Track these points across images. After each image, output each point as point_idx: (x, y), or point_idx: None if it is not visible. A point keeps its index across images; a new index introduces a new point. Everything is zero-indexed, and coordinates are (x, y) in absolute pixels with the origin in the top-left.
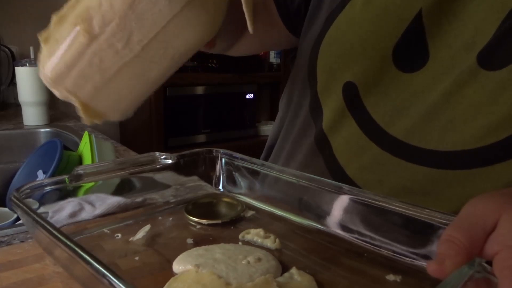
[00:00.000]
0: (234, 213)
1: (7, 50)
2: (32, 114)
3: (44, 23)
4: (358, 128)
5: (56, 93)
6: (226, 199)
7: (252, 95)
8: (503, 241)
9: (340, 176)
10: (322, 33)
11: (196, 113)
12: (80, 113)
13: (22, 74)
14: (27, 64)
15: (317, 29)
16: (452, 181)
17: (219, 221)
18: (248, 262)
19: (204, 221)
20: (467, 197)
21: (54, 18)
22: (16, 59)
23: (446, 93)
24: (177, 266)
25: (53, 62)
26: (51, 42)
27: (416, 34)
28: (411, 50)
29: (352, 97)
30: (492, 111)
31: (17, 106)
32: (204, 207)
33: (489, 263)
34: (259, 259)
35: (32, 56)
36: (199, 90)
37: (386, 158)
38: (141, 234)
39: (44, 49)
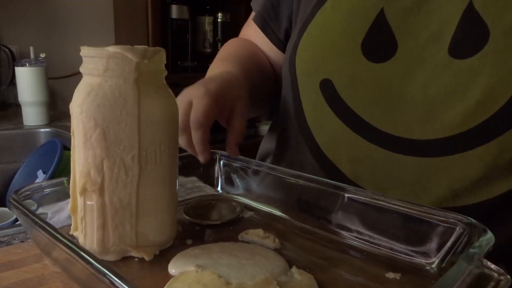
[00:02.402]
0: (233, 214)
1: (7, 50)
2: (32, 114)
3: (44, 23)
4: (342, 122)
5: (110, 257)
6: (225, 200)
7: None
8: None
9: (331, 170)
10: (297, 40)
11: None
12: (139, 255)
13: (22, 74)
14: (27, 64)
15: (293, 39)
16: (438, 167)
17: (218, 222)
18: (255, 262)
19: (203, 222)
20: (454, 182)
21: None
22: (16, 59)
23: (424, 85)
24: (173, 269)
25: (90, 239)
26: (79, 222)
27: (381, 29)
28: (379, 42)
29: (330, 93)
30: (467, 97)
31: (17, 106)
32: (203, 208)
33: (489, 260)
34: (266, 259)
35: (32, 56)
36: None
37: (373, 150)
38: None
39: (80, 235)
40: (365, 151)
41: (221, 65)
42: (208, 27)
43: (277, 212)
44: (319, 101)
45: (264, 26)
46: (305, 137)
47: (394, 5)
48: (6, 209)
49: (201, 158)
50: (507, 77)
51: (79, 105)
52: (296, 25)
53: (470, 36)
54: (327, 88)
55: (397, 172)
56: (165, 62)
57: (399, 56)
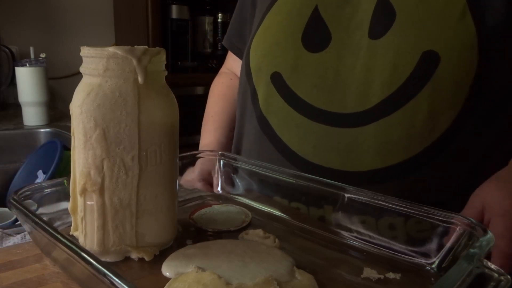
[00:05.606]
0: (237, 222)
1: (7, 50)
2: (32, 114)
3: (44, 23)
4: (289, 107)
5: (110, 257)
6: (230, 206)
7: None
8: None
9: (284, 150)
10: (249, 44)
11: (196, 113)
12: (139, 255)
13: (22, 74)
14: (27, 64)
15: (248, 44)
16: (367, 133)
17: (222, 229)
18: (259, 261)
19: (209, 229)
20: (380, 144)
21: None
22: (16, 59)
23: (350, 66)
24: (167, 272)
25: (90, 239)
26: (79, 222)
27: (317, 24)
28: (316, 35)
29: (280, 83)
30: (383, 70)
31: (17, 106)
32: (208, 214)
33: (488, 258)
34: (271, 257)
35: (32, 56)
36: (199, 90)
37: (316, 127)
38: None
39: (80, 235)
40: (309, 129)
41: (209, 136)
42: (208, 27)
43: (277, 212)
44: (270, 92)
45: (232, 48)
46: (261, 123)
47: (326, 2)
48: (6, 209)
49: None
50: (411, 48)
51: (79, 105)
52: (251, 34)
53: (381, 19)
54: (277, 79)
55: (335, 143)
56: (165, 62)
57: (332, 45)
